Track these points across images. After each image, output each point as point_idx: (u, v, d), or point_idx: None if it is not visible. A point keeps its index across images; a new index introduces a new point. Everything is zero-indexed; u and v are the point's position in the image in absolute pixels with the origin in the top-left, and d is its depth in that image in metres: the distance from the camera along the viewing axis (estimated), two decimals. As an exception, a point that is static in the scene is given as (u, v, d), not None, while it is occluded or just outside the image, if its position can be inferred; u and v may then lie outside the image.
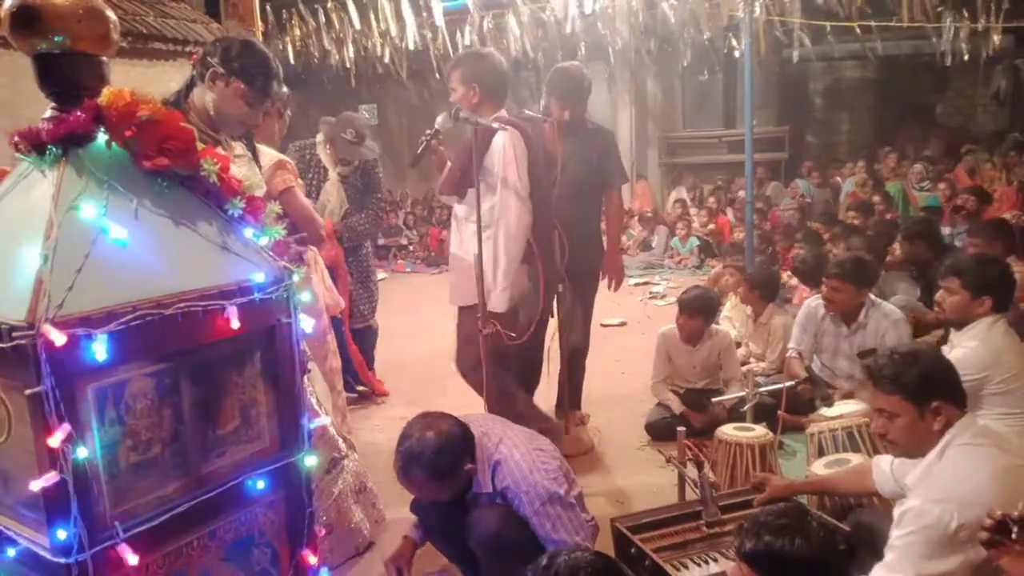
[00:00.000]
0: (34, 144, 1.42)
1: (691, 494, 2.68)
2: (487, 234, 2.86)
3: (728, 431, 3.01)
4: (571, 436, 3.59)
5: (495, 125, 3.01)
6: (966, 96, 10.95)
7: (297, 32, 9.48)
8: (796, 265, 4.96)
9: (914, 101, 11.07)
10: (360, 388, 4.32)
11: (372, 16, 8.70)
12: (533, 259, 3.38)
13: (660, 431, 3.59)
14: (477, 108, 2.99)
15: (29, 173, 1.45)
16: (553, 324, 3.62)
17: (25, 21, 1.40)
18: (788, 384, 3.36)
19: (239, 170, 2.05)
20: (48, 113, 1.45)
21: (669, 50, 9.59)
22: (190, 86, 2.24)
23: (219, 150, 2.08)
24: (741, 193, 9.04)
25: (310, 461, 1.68)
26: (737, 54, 7.97)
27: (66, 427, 1.25)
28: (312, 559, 1.70)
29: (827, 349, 3.68)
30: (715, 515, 2.39)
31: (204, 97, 2.19)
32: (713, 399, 3.53)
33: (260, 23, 6.58)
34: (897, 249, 5.17)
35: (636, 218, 9.06)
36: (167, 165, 1.47)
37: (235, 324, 1.47)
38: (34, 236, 1.31)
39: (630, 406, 4.06)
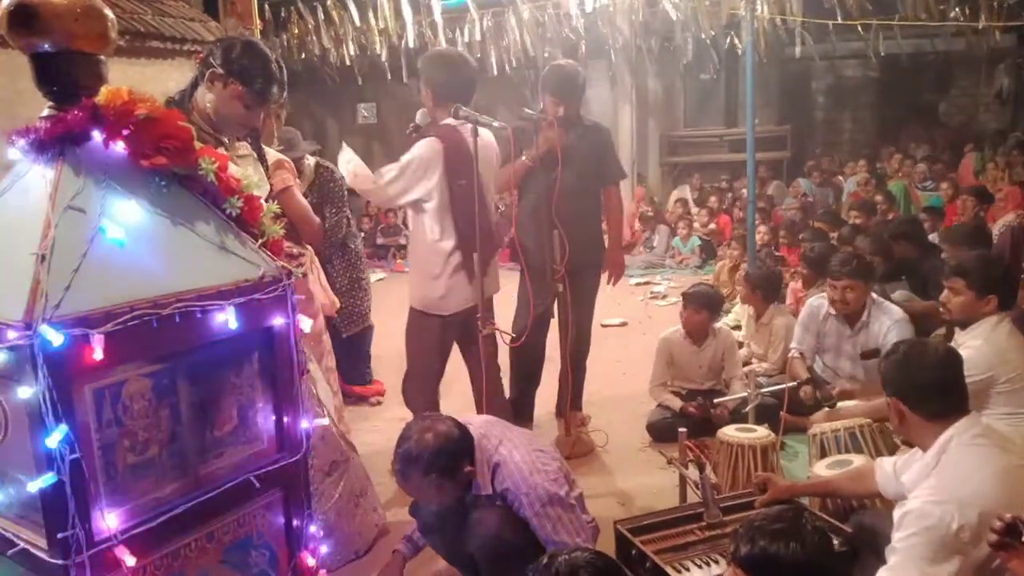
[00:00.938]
0: (32, 143, 1.41)
1: (692, 496, 2.67)
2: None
3: (730, 432, 3.00)
4: (572, 437, 3.58)
5: (495, 124, 3.00)
6: (969, 95, 10.94)
7: (295, 30, 9.47)
8: (806, 254, 4.95)
9: (917, 100, 11.06)
10: (357, 390, 4.31)
11: (371, 14, 8.70)
12: (519, 262, 3.42)
13: (661, 431, 3.59)
14: (433, 110, 3.02)
15: (26, 172, 1.44)
16: (554, 324, 3.63)
17: (22, 20, 1.39)
18: (790, 384, 3.35)
19: (241, 170, 2.04)
20: (46, 112, 1.44)
21: (670, 49, 9.57)
22: (195, 85, 2.23)
23: (221, 150, 2.08)
24: (744, 192, 9.05)
25: (308, 462, 1.67)
26: (740, 51, 7.96)
27: (63, 428, 1.24)
28: (311, 561, 1.70)
29: (830, 349, 3.66)
30: (716, 517, 2.38)
31: (205, 97, 2.19)
32: (715, 400, 3.52)
33: (258, 21, 6.56)
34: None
35: (636, 218, 9.06)
36: (165, 164, 1.46)
37: (233, 324, 1.46)
38: (31, 236, 1.31)
39: (631, 407, 4.05)
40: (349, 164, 3.03)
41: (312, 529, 1.70)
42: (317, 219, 2.93)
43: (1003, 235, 4.95)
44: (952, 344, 2.82)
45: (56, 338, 1.21)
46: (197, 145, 1.53)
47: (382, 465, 3.06)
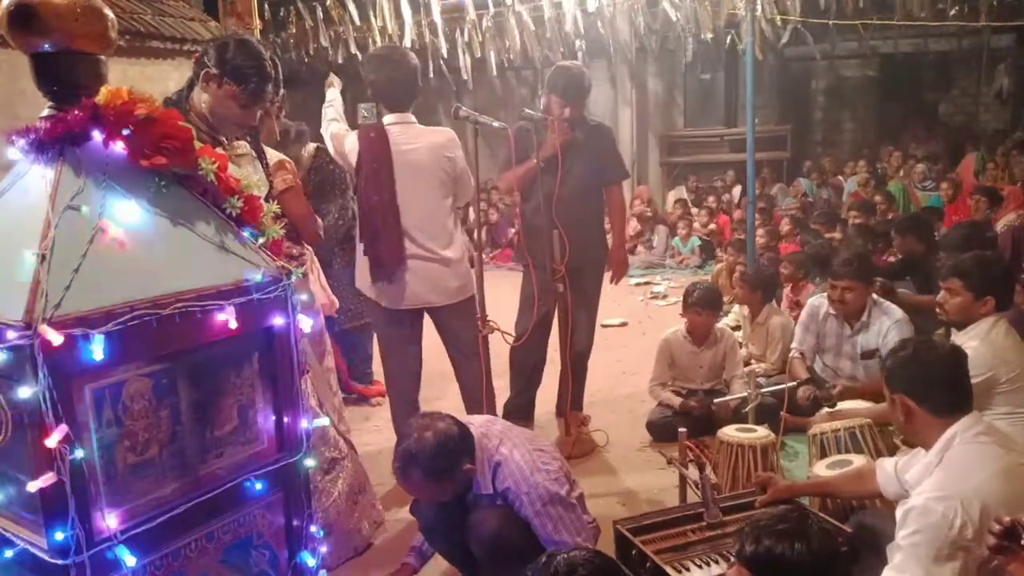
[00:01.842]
0: (32, 143, 1.41)
1: (692, 495, 2.67)
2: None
3: (730, 432, 3.00)
4: (572, 437, 3.58)
5: (495, 124, 3.00)
6: (969, 95, 10.93)
7: (295, 30, 9.47)
8: (792, 255, 5.01)
9: (917, 100, 11.06)
10: (359, 388, 4.31)
11: (371, 14, 8.69)
12: (525, 262, 3.41)
13: (661, 430, 3.59)
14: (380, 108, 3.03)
15: (26, 172, 1.44)
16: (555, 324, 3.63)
17: (23, 20, 1.39)
18: (790, 385, 3.35)
19: (240, 170, 2.04)
20: (46, 112, 1.44)
21: (670, 48, 9.57)
22: (191, 86, 2.23)
23: (219, 150, 2.07)
24: (735, 194, 9.06)
25: (309, 462, 1.67)
26: (742, 51, 7.96)
27: (63, 428, 1.24)
28: (311, 561, 1.70)
29: (830, 349, 3.66)
30: (716, 516, 2.38)
31: (201, 98, 2.19)
32: (716, 400, 3.52)
33: (258, 21, 6.56)
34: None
35: (635, 218, 9.06)
36: (165, 164, 1.46)
37: (233, 324, 1.46)
38: (31, 236, 1.31)
39: (631, 407, 4.05)
40: (328, 107, 3.16)
41: (312, 529, 1.70)
42: (319, 220, 2.94)
43: (1004, 235, 4.96)
44: (951, 344, 2.83)
45: (56, 338, 1.21)
46: (197, 145, 1.53)
47: (382, 464, 3.06)
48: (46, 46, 1.41)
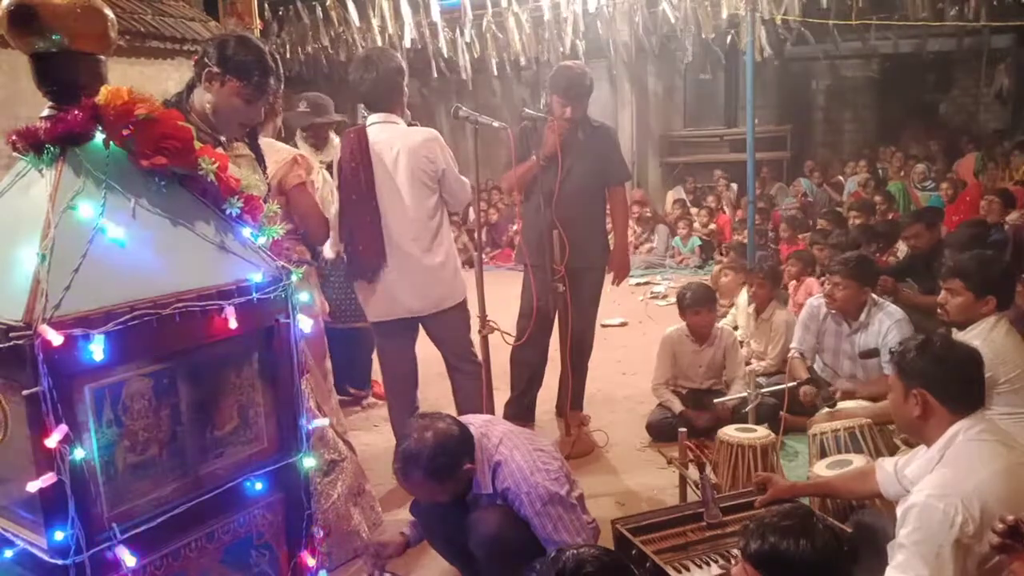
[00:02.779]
0: (32, 143, 1.41)
1: (692, 495, 2.67)
2: None
3: (730, 432, 3.00)
4: (572, 437, 3.58)
5: (495, 124, 3.00)
6: (970, 95, 10.93)
7: (295, 30, 9.48)
8: (799, 253, 5.05)
9: (917, 100, 11.06)
10: (352, 390, 4.30)
11: (371, 13, 8.70)
12: (525, 262, 3.41)
13: (661, 432, 3.59)
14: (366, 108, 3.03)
15: (27, 172, 1.44)
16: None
17: (22, 19, 1.39)
18: (790, 385, 3.35)
19: (239, 170, 2.04)
20: (46, 112, 1.44)
21: (670, 48, 9.57)
22: (191, 87, 2.23)
23: (219, 150, 2.07)
24: (732, 195, 9.05)
25: (308, 462, 1.67)
26: (742, 52, 7.97)
27: (63, 428, 1.24)
28: (311, 561, 1.69)
29: (829, 348, 3.67)
30: (716, 516, 2.38)
31: (203, 98, 2.18)
32: (715, 400, 3.52)
33: (258, 20, 6.57)
34: (899, 249, 5.15)
35: (636, 218, 9.05)
36: (165, 164, 1.46)
37: (233, 324, 1.46)
38: (31, 236, 1.30)
39: (631, 407, 4.05)
40: None
41: (312, 529, 1.70)
42: (326, 216, 2.93)
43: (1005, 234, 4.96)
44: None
45: (56, 338, 1.21)
46: (197, 145, 1.53)
47: (382, 465, 3.06)
48: (46, 46, 1.41)
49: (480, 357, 3.13)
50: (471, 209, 7.77)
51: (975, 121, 10.78)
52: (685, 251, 8.40)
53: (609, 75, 10.07)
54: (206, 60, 2.16)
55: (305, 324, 1.65)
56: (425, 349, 3.25)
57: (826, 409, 3.20)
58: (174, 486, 1.46)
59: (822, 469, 2.64)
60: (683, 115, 10.89)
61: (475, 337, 3.05)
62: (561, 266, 3.41)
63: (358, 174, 2.89)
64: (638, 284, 7.36)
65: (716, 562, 2.25)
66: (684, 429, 2.80)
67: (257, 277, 1.53)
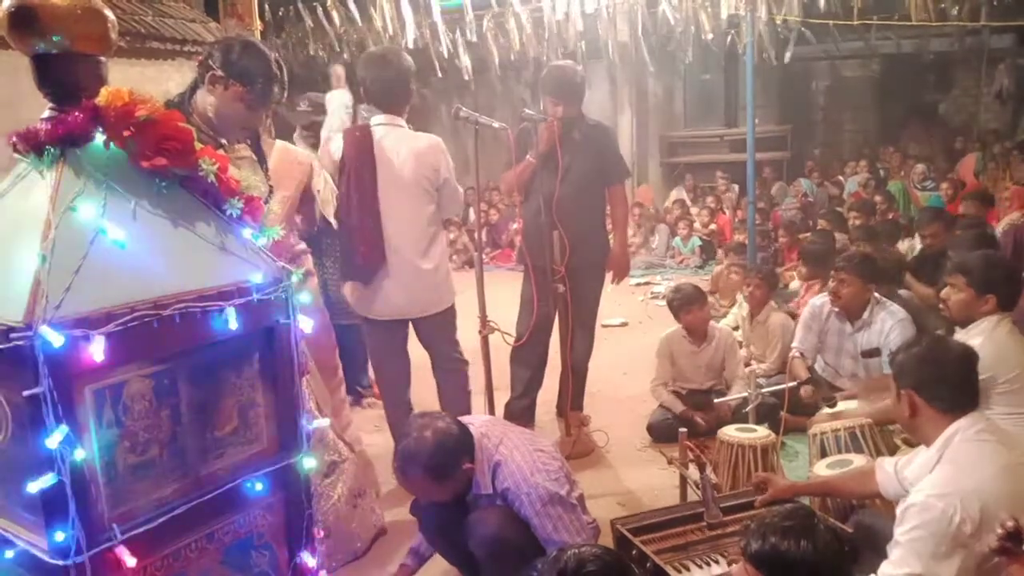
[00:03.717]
0: (32, 144, 1.41)
1: (693, 495, 2.67)
2: None
3: (730, 432, 3.00)
4: (573, 437, 3.58)
5: (496, 125, 3.00)
6: (970, 95, 10.94)
7: (295, 31, 9.48)
8: (806, 247, 5.02)
9: (917, 100, 11.06)
10: (360, 389, 4.30)
11: (372, 13, 8.70)
12: (526, 263, 3.41)
13: (661, 432, 3.59)
14: (370, 108, 3.03)
15: (27, 174, 1.44)
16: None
17: (23, 21, 1.39)
18: (790, 384, 3.35)
19: (239, 171, 2.04)
20: (46, 113, 1.44)
21: (670, 49, 9.57)
22: (194, 88, 2.23)
23: (220, 151, 2.07)
24: (731, 195, 9.03)
25: (309, 463, 1.67)
26: (741, 51, 7.97)
27: (64, 429, 1.24)
28: (311, 562, 1.69)
29: (831, 347, 3.67)
30: (717, 516, 2.38)
31: (205, 100, 2.18)
32: (716, 400, 3.52)
33: (259, 22, 6.57)
34: (900, 249, 5.16)
35: (638, 218, 9.05)
36: (165, 165, 1.46)
37: (233, 325, 1.46)
38: (32, 237, 1.30)
39: (631, 407, 4.05)
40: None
41: (312, 529, 1.70)
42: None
43: (1006, 234, 4.96)
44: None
45: (56, 339, 1.21)
46: (198, 146, 1.53)
47: (382, 465, 3.06)
48: (46, 47, 1.41)
49: (466, 357, 3.15)
50: (471, 209, 7.79)
51: (975, 121, 10.79)
52: (685, 251, 8.40)
53: (609, 76, 10.07)
54: (211, 63, 2.16)
55: (306, 324, 1.65)
56: (418, 350, 3.25)
57: (826, 409, 3.20)
58: (174, 487, 1.46)
59: (822, 469, 2.64)
60: (683, 116, 10.88)
61: (475, 337, 3.05)
62: (561, 266, 3.41)
63: (362, 175, 2.89)
64: (638, 284, 7.36)
65: (716, 562, 2.25)
66: (684, 429, 2.80)
67: (257, 278, 1.53)
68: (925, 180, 8.33)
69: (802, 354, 3.68)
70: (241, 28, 5.98)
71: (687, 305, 3.77)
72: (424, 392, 4.24)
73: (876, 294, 3.58)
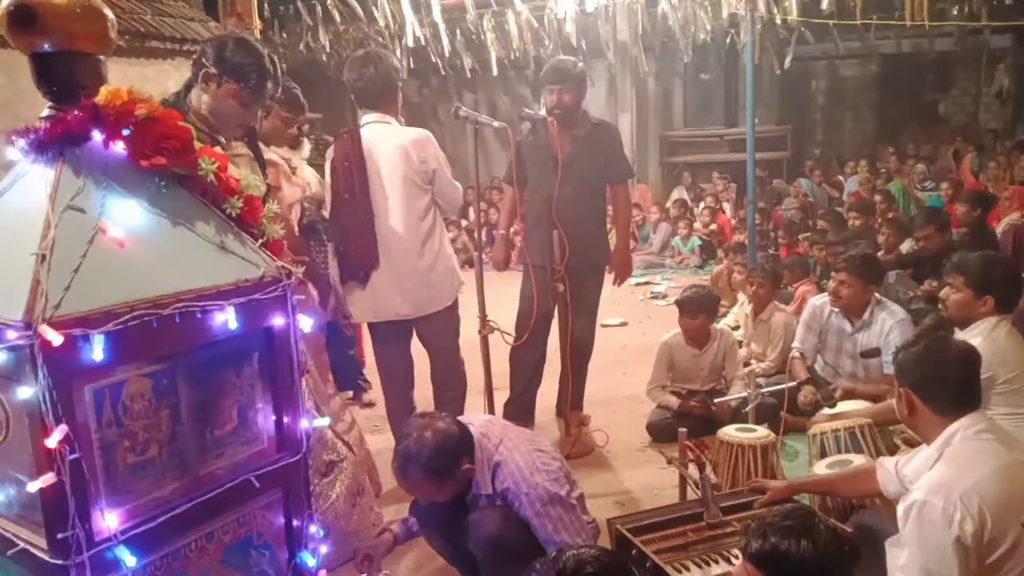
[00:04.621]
0: (32, 143, 1.41)
1: (692, 495, 2.67)
2: None
3: (730, 432, 2.99)
4: (572, 437, 3.58)
5: (495, 124, 3.00)
6: (969, 95, 10.95)
7: (295, 30, 9.47)
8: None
9: (917, 99, 11.07)
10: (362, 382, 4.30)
11: (373, 12, 8.70)
12: (525, 262, 3.41)
13: (661, 432, 3.59)
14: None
15: (27, 172, 1.44)
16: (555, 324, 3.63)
17: (22, 20, 1.39)
18: (790, 384, 3.35)
19: (237, 170, 2.04)
20: (46, 112, 1.44)
21: (670, 49, 9.58)
22: (188, 87, 2.23)
23: (217, 149, 2.07)
24: (728, 194, 9.03)
25: (308, 462, 1.67)
26: (740, 50, 7.97)
27: (63, 428, 1.24)
28: (311, 561, 1.69)
29: (831, 347, 3.67)
30: (716, 516, 2.38)
31: (200, 99, 2.18)
32: (716, 400, 3.52)
33: (259, 21, 6.57)
34: (902, 249, 5.16)
35: (640, 218, 9.05)
36: (164, 164, 1.46)
37: (233, 324, 1.46)
38: (31, 236, 1.30)
39: (631, 407, 4.05)
40: None
41: (312, 529, 1.70)
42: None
43: (1006, 234, 4.97)
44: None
45: (56, 338, 1.21)
46: (197, 145, 1.53)
47: (382, 465, 3.06)
48: (46, 46, 1.41)
49: (464, 359, 3.15)
50: (471, 209, 7.79)
51: (975, 121, 10.79)
52: (685, 251, 8.40)
53: (609, 75, 10.07)
54: (204, 60, 2.16)
55: (305, 324, 1.65)
56: (420, 351, 3.24)
57: (826, 409, 3.20)
58: (174, 486, 1.46)
59: (822, 469, 2.64)
60: (683, 115, 10.88)
61: (475, 337, 3.04)
62: (561, 266, 3.40)
63: (351, 174, 2.89)
64: (638, 284, 7.36)
65: (716, 562, 2.25)
66: (684, 429, 2.80)
67: (257, 277, 1.53)
68: (925, 180, 8.33)
69: (802, 354, 3.68)
70: (240, 27, 5.98)
71: (698, 312, 3.73)
72: (426, 391, 4.25)
73: (877, 295, 3.58)
